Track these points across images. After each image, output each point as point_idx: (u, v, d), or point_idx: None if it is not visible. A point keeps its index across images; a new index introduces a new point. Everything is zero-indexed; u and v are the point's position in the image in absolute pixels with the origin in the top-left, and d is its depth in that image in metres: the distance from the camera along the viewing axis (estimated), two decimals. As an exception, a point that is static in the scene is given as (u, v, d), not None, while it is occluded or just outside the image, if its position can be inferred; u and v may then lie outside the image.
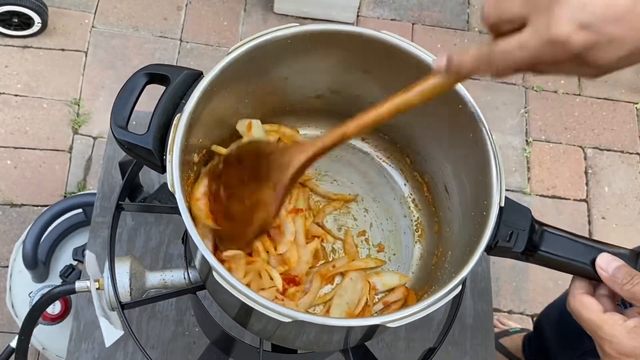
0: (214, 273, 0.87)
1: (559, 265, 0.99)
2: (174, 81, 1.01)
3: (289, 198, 1.15)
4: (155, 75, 1.03)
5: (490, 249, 0.98)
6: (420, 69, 1.01)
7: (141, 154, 0.99)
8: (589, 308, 0.90)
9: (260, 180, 1.01)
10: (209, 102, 1.01)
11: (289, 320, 0.85)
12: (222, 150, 1.11)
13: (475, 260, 0.93)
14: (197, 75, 1.02)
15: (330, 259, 1.15)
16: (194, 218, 0.98)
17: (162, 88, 1.01)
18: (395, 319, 0.88)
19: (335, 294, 1.08)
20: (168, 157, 0.93)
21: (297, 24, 1.03)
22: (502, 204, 0.97)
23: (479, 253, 0.93)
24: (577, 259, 0.97)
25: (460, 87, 1.00)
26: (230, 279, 0.86)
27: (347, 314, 1.07)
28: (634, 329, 0.85)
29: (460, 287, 0.93)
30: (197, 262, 1.04)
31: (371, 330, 1.02)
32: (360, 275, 1.11)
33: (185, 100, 0.98)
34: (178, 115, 0.96)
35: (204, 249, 0.88)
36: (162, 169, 0.99)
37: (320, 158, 0.99)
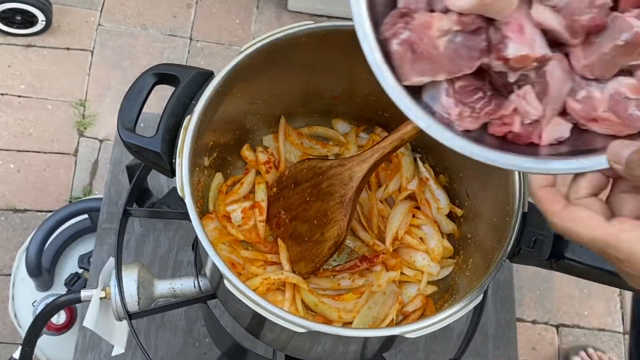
0: (226, 281, 0.85)
1: (585, 273, 0.96)
2: (183, 81, 0.99)
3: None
4: (164, 75, 1.01)
5: (513, 256, 0.96)
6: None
7: (149, 157, 0.98)
8: (586, 224, 0.67)
9: (323, 198, 1.05)
10: (220, 103, 1.00)
11: (304, 330, 0.84)
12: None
13: (497, 268, 0.92)
14: (208, 76, 1.01)
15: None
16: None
17: (171, 89, 1.00)
18: (414, 329, 0.86)
19: (364, 305, 1.07)
20: (177, 160, 0.92)
21: (312, 22, 1.01)
22: (526, 209, 0.95)
23: (501, 260, 0.92)
24: (604, 266, 0.94)
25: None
26: (243, 288, 0.85)
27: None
28: None
29: (481, 296, 0.91)
30: (207, 270, 1.02)
31: (389, 341, 1.00)
32: (393, 291, 1.09)
33: (195, 101, 0.97)
34: (188, 116, 0.95)
35: (215, 255, 0.86)
36: (172, 173, 0.97)
37: (380, 165, 1.03)
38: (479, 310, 1.11)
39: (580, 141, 0.73)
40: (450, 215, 1.17)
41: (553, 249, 0.95)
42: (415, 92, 0.72)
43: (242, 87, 1.03)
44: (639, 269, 0.65)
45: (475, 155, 0.68)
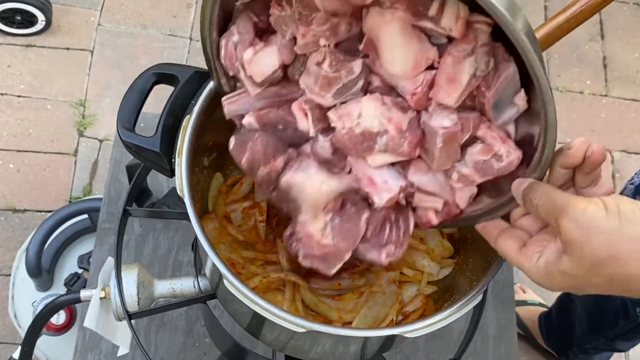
0: (225, 281, 0.85)
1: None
2: (183, 81, 0.99)
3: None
4: (163, 75, 1.01)
5: (513, 256, 0.95)
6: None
7: (149, 157, 0.97)
8: (506, 254, 0.77)
9: None
10: (219, 102, 0.97)
11: (303, 330, 0.83)
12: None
13: (497, 268, 0.91)
14: (207, 75, 0.99)
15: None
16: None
17: (170, 88, 0.99)
18: (414, 329, 0.86)
19: (364, 305, 1.06)
20: (177, 160, 0.92)
21: (312, 21, 1.00)
22: (526, 209, 0.94)
23: (501, 260, 0.91)
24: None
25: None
26: (242, 287, 0.84)
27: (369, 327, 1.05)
28: (545, 273, 0.71)
29: (481, 296, 0.90)
30: (207, 270, 1.02)
31: (389, 341, 1.00)
32: (393, 291, 1.08)
33: (194, 101, 0.97)
34: (187, 116, 0.94)
35: (214, 256, 0.86)
36: (171, 173, 0.97)
37: None
38: (479, 310, 1.10)
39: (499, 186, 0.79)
40: (450, 215, 1.16)
41: (553, 249, 0.95)
42: None
43: (241, 86, 1.02)
44: (556, 291, 0.74)
45: None
